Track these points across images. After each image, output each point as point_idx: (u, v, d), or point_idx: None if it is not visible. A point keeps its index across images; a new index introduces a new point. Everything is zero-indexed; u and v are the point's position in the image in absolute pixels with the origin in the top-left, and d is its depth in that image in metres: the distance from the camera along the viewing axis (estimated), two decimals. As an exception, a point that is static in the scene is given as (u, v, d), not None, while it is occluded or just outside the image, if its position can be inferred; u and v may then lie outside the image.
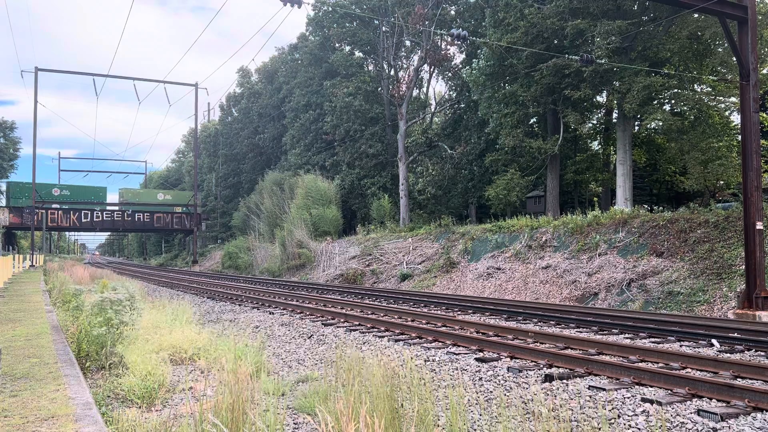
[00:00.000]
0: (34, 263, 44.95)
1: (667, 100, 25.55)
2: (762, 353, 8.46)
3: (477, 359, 8.09)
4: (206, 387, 6.56)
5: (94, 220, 58.82)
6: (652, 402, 5.71)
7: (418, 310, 14.62)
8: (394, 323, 11.47)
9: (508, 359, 8.08)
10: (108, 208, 61.33)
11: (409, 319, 12.68)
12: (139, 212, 61.84)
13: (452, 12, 38.03)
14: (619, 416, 5.48)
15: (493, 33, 27.13)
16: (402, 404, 4.63)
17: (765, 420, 5.19)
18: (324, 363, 8.25)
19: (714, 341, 9.19)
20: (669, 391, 6.07)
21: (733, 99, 23.89)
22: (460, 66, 37.80)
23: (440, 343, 9.56)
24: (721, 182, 24.69)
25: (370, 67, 44.98)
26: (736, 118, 25.64)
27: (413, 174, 38.15)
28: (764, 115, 24.47)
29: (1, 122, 59.63)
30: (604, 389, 6.20)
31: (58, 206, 57.24)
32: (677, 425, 5.17)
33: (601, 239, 18.98)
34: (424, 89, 45.15)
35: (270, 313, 14.79)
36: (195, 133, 57.68)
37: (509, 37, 25.64)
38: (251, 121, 62.13)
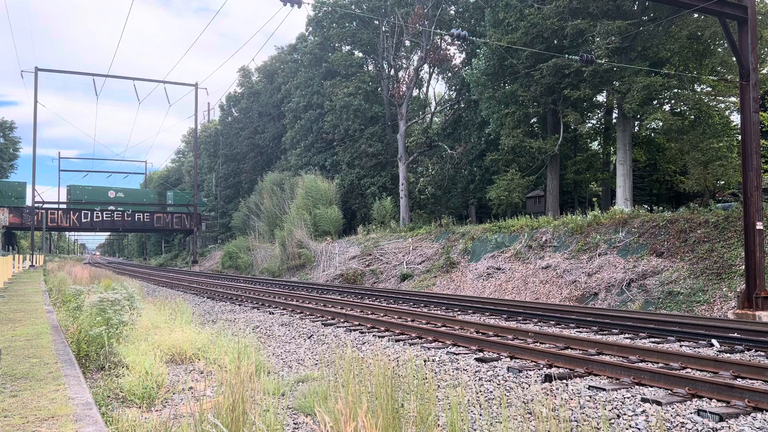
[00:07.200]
0: (34, 263, 44.96)
1: (667, 100, 25.56)
2: (762, 353, 8.46)
3: (477, 359, 8.08)
4: (206, 387, 6.56)
5: (94, 220, 58.78)
6: (652, 402, 5.71)
7: (418, 310, 14.62)
8: (394, 323, 11.46)
9: (508, 359, 8.08)
10: (108, 208, 61.32)
11: (409, 319, 12.68)
12: (139, 212, 61.82)
13: (452, 12, 38.04)
14: (619, 416, 5.48)
15: (493, 33, 27.14)
16: (402, 404, 4.62)
17: (765, 420, 5.18)
18: (324, 363, 8.24)
19: (714, 341, 9.19)
20: (669, 391, 6.07)
21: (733, 99, 23.90)
22: (460, 66, 37.82)
23: (440, 343, 9.56)
24: (721, 182, 24.70)
25: (370, 67, 44.97)
26: (736, 118, 25.66)
27: (413, 174, 38.14)
28: (764, 115, 24.46)
29: (1, 122, 59.71)
30: (604, 389, 6.20)
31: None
32: (677, 425, 5.17)
33: (601, 239, 18.98)
34: (424, 89, 45.17)
35: (270, 313, 14.79)
36: (195, 133, 57.67)
37: (509, 37, 25.65)
38: (251, 121, 62.09)
